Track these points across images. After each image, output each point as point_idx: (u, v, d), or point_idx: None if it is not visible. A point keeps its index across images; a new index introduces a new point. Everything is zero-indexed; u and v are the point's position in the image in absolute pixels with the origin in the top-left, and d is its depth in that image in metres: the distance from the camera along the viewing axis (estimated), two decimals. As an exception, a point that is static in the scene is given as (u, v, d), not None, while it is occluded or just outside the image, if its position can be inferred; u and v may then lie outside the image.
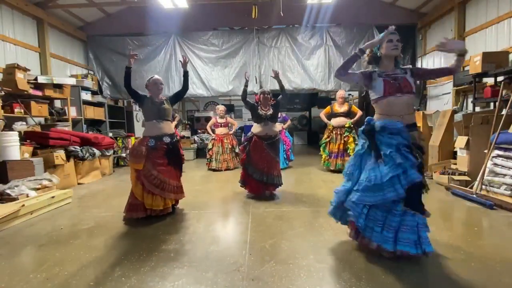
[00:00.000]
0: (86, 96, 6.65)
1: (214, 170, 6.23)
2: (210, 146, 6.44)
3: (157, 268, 2.08)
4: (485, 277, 1.88)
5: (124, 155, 7.27)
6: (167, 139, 3.18)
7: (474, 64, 4.60)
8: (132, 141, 7.45)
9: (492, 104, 4.70)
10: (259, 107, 3.94)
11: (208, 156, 6.41)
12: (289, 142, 6.34)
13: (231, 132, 6.53)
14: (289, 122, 6.49)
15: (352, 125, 5.55)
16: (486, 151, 3.66)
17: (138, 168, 3.06)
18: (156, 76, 3.28)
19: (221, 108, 6.53)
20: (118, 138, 7.28)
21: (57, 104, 6.11)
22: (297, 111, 12.97)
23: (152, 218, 3.12)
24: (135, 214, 3.06)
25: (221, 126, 6.45)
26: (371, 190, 2.05)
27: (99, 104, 7.11)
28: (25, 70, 4.90)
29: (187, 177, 5.70)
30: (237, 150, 6.46)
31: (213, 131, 6.51)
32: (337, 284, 1.83)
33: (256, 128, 3.89)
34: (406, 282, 1.83)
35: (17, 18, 5.59)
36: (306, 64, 7.42)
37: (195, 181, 5.35)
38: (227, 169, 6.25)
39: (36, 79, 5.16)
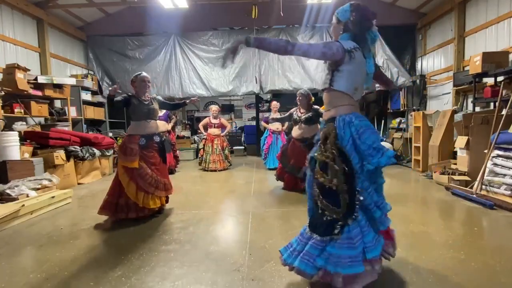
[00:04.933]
0: (86, 96, 6.65)
1: (204, 170, 6.22)
2: (201, 145, 6.43)
3: (157, 268, 2.08)
4: (485, 277, 1.88)
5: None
6: (157, 138, 3.23)
7: (474, 64, 4.60)
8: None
9: (492, 104, 4.70)
10: (296, 110, 4.24)
11: (200, 156, 6.41)
12: None
13: (222, 134, 6.48)
14: (287, 123, 6.48)
15: None
16: (486, 151, 3.66)
17: (133, 166, 3.00)
18: (144, 74, 3.20)
19: (214, 108, 6.49)
20: (118, 138, 7.28)
21: (57, 104, 6.11)
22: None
23: (152, 218, 3.13)
24: (123, 214, 2.99)
25: (214, 127, 6.41)
26: None
27: (99, 104, 7.11)
28: (25, 70, 4.90)
29: (186, 177, 5.70)
30: (226, 152, 6.45)
31: (206, 130, 6.49)
32: (337, 284, 1.83)
33: (294, 131, 4.22)
34: (406, 282, 1.83)
35: (17, 18, 5.59)
36: (306, 64, 7.42)
37: (195, 181, 5.35)
38: (215, 170, 6.17)
39: (36, 79, 5.16)
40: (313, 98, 4.14)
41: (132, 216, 3.00)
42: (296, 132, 4.16)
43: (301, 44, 1.66)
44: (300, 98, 4.09)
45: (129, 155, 3.01)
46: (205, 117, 7.16)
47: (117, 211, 3.02)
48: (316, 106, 4.08)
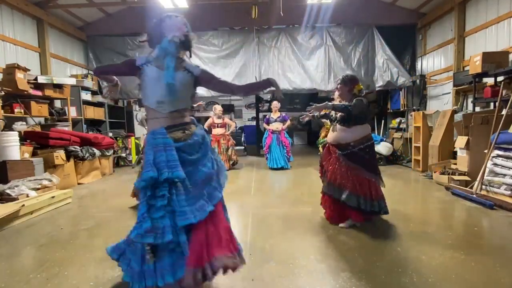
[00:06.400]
0: (86, 96, 6.64)
1: None
2: None
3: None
4: (485, 277, 1.88)
5: (124, 155, 7.26)
6: None
7: (474, 64, 4.60)
8: (132, 141, 7.44)
9: (492, 104, 4.70)
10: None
11: None
12: (288, 143, 6.35)
13: (228, 132, 6.49)
14: (288, 122, 6.49)
15: None
16: (486, 151, 3.66)
17: None
18: None
19: (218, 108, 6.50)
20: (118, 138, 7.28)
21: (57, 104, 6.11)
22: (297, 111, 12.97)
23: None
24: None
25: (218, 127, 6.41)
26: None
27: (99, 104, 7.11)
28: (25, 70, 4.90)
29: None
30: (229, 152, 6.44)
31: (210, 131, 6.49)
32: (337, 284, 1.83)
33: (329, 134, 3.03)
34: (407, 283, 1.83)
35: (17, 18, 5.58)
36: (306, 64, 7.41)
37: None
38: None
39: (36, 79, 5.15)
40: (360, 85, 2.86)
41: None
42: (330, 135, 2.97)
43: (102, 67, 1.88)
44: (339, 86, 2.89)
45: None
46: (206, 117, 7.15)
47: None
48: (360, 98, 2.74)
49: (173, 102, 1.74)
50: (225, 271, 1.67)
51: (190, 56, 1.87)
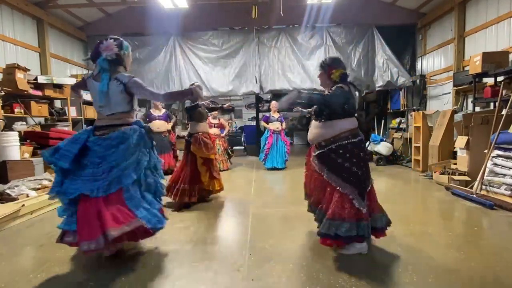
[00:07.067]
0: (86, 96, 6.60)
1: None
2: None
3: (157, 268, 2.08)
4: (485, 277, 1.88)
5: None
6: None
7: (474, 64, 4.60)
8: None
9: (492, 104, 4.70)
10: None
11: None
12: (289, 142, 6.37)
13: (222, 134, 6.52)
14: (284, 122, 6.51)
15: None
16: (486, 151, 3.66)
17: (212, 157, 3.77)
18: (198, 83, 4.04)
19: None
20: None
21: (57, 104, 6.11)
22: (297, 111, 12.97)
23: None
24: (186, 198, 3.50)
25: (214, 127, 6.44)
26: None
27: (99, 104, 7.10)
28: (25, 70, 4.90)
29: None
30: (229, 152, 6.49)
31: None
32: (337, 284, 1.83)
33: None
34: (407, 283, 1.83)
35: (17, 18, 5.59)
36: (306, 64, 7.41)
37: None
38: (220, 170, 6.22)
39: (36, 79, 5.15)
40: (341, 69, 2.30)
41: (194, 200, 3.54)
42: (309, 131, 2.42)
43: (75, 83, 2.57)
44: (319, 73, 2.48)
45: (211, 149, 3.75)
46: (205, 117, 7.15)
47: (180, 195, 3.47)
48: (339, 85, 2.19)
49: (110, 106, 2.17)
50: (130, 238, 2.04)
51: (126, 70, 2.29)
